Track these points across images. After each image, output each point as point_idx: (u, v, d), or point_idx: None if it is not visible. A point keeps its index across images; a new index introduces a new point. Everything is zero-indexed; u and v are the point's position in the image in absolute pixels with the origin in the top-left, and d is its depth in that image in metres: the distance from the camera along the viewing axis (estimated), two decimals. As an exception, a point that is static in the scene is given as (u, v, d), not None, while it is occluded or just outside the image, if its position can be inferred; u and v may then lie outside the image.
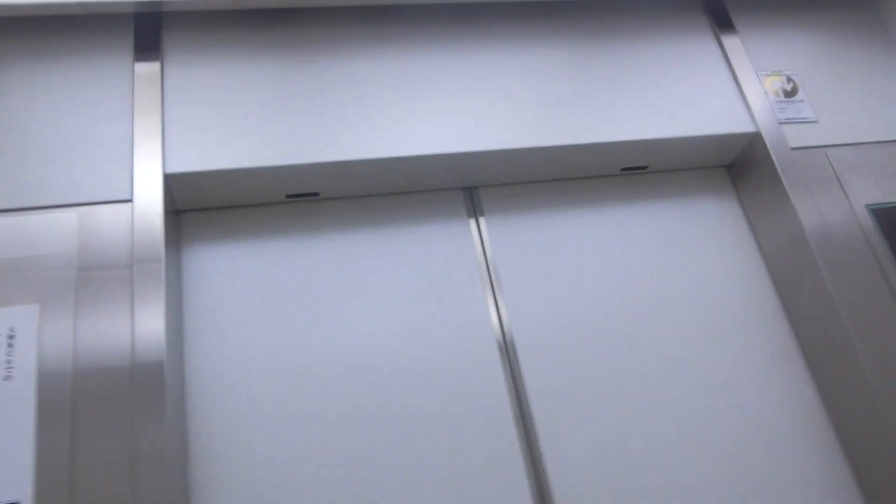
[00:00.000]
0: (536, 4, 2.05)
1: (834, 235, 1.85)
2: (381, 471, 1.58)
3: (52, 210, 1.50)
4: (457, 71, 1.89)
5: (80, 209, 1.51)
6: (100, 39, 1.73)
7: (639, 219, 2.01)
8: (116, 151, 1.59)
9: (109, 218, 1.51)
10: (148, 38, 1.75)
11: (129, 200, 1.54)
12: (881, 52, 2.22)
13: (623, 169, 2.06)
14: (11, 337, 1.34)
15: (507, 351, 1.76)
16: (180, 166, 1.61)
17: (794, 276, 1.90)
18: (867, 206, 1.90)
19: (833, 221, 1.87)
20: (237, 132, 1.68)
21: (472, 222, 1.91)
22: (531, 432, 1.68)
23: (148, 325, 1.41)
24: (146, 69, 1.70)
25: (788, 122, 2.00)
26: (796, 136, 1.98)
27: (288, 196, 1.82)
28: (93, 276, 1.44)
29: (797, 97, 2.05)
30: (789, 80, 2.08)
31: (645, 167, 2.07)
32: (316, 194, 1.84)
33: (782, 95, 2.05)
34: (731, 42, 2.11)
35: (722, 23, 2.14)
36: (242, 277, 1.73)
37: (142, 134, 1.62)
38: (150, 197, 1.54)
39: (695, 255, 1.99)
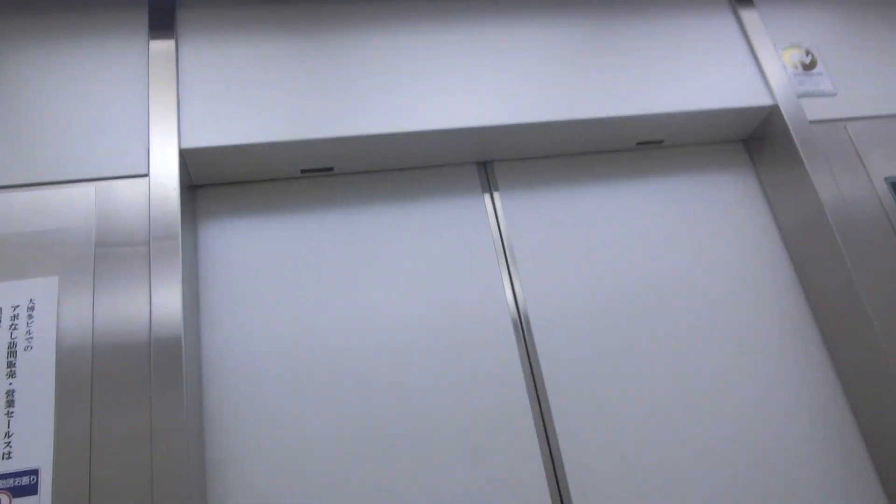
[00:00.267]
0: (551, -22, 2.04)
1: (853, 210, 1.83)
2: (395, 445, 1.59)
3: (70, 185, 1.52)
4: (471, 45, 1.88)
5: (98, 184, 1.53)
6: (115, 17, 1.74)
7: (654, 194, 2.00)
8: (132, 127, 1.60)
9: (126, 192, 1.52)
10: (162, 16, 1.75)
11: (146, 175, 1.55)
12: (902, 23, 2.19)
13: (639, 143, 2.04)
14: (31, 308, 1.36)
15: (522, 326, 1.76)
16: (196, 141, 1.62)
17: (812, 251, 1.88)
18: (887, 179, 1.88)
19: (852, 195, 1.85)
20: (252, 107, 1.69)
21: (487, 197, 1.91)
22: (545, 408, 1.69)
23: (165, 300, 1.42)
24: (161, 46, 1.71)
25: (807, 95, 1.98)
26: (815, 110, 1.96)
27: (303, 171, 1.82)
28: (111, 251, 1.46)
29: (816, 70, 2.03)
30: (808, 52, 2.05)
31: (661, 141, 2.06)
32: (330, 169, 1.84)
33: (801, 68, 2.02)
34: (748, 15, 2.08)
35: (740, -5, 2.12)
36: (257, 252, 1.74)
37: (157, 110, 1.62)
38: (166, 172, 1.55)
39: (711, 230, 1.98)
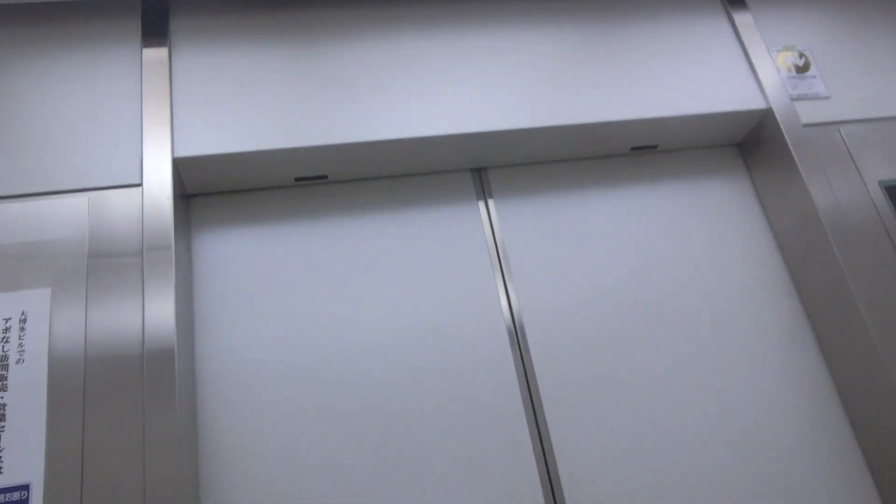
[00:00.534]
0: (544, -17, 2.04)
1: (847, 213, 1.83)
2: (390, 455, 1.59)
3: (62, 195, 1.52)
4: (465, 51, 1.88)
5: (91, 194, 1.52)
6: (108, 25, 1.74)
7: (649, 199, 2.00)
8: (126, 136, 1.60)
9: (119, 202, 1.52)
10: (156, 24, 1.75)
11: (139, 185, 1.55)
12: (894, 26, 2.18)
13: (633, 148, 2.04)
14: (23, 320, 1.35)
15: (517, 333, 1.76)
16: (189, 150, 1.62)
17: (806, 254, 1.88)
18: (881, 182, 1.88)
19: (846, 199, 1.85)
20: (245, 115, 1.68)
21: (482, 204, 1.91)
22: (540, 416, 1.68)
23: (158, 311, 1.42)
24: (154, 54, 1.70)
25: (800, 98, 1.98)
26: (808, 113, 1.96)
27: (297, 179, 1.82)
28: (103, 262, 1.45)
29: (809, 73, 2.03)
30: (801, 55, 2.05)
31: (655, 146, 2.05)
32: (325, 177, 1.84)
33: (794, 71, 2.02)
34: (741, 18, 2.08)
35: (733, -2, 2.12)
36: (251, 261, 1.73)
37: (150, 119, 1.62)
38: (159, 181, 1.55)
39: (706, 234, 1.97)
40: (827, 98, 2.00)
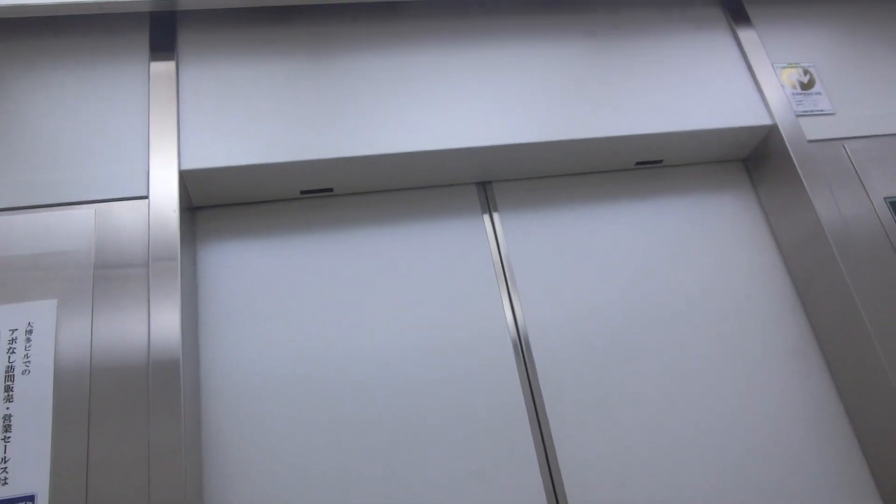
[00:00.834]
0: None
1: (852, 229, 1.83)
2: (394, 467, 1.58)
3: (69, 207, 1.52)
4: (470, 65, 1.89)
5: (98, 206, 1.53)
6: (116, 39, 1.75)
7: (654, 213, 2.00)
8: (133, 149, 1.61)
9: (126, 214, 1.52)
10: (163, 38, 1.76)
11: (146, 197, 1.55)
12: (900, 43, 2.20)
13: (638, 163, 2.05)
14: (29, 331, 1.36)
15: (522, 347, 1.76)
16: (195, 163, 1.62)
17: (812, 270, 1.88)
18: (886, 198, 1.88)
19: (851, 215, 1.85)
20: (252, 129, 1.69)
21: (487, 217, 1.91)
22: (545, 429, 1.68)
23: (164, 322, 1.42)
24: (162, 68, 1.71)
25: (805, 114, 1.98)
26: (813, 129, 1.96)
27: (302, 192, 1.82)
28: (110, 273, 1.45)
29: (814, 89, 2.03)
30: (806, 72, 2.06)
31: (660, 161, 2.06)
32: (330, 190, 1.84)
33: (799, 88, 2.03)
34: (746, 35, 2.09)
35: (737, 15, 2.12)
36: (257, 273, 1.74)
37: (157, 131, 1.63)
38: (165, 193, 1.55)
39: (711, 250, 1.97)
40: (832, 114, 2.00)
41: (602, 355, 1.79)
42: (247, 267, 1.74)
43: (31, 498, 1.23)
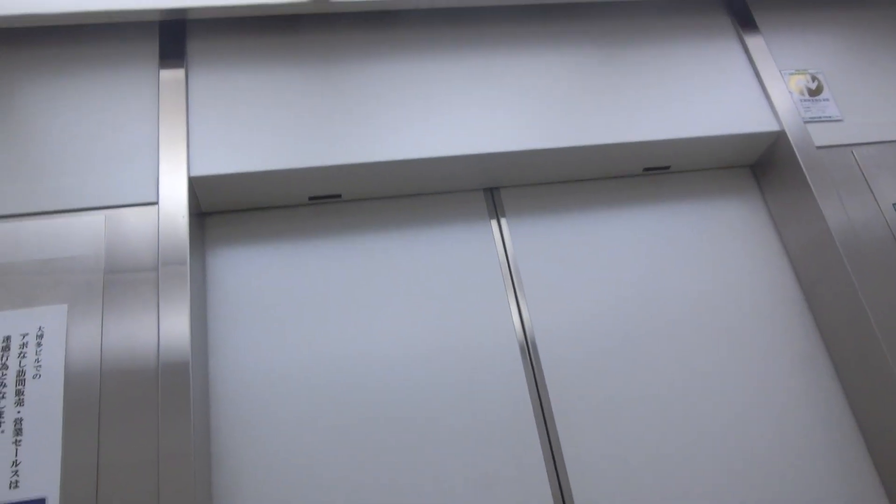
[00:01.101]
0: (557, 6, 2.05)
1: (861, 235, 1.82)
2: (403, 470, 1.59)
3: (79, 213, 1.53)
4: (478, 73, 1.89)
5: (108, 212, 1.54)
6: (126, 47, 1.76)
7: (661, 219, 2.00)
8: (142, 155, 1.62)
9: (136, 220, 1.54)
10: (173, 46, 1.77)
11: (155, 203, 1.56)
12: (908, 49, 2.20)
13: (645, 169, 2.05)
14: (40, 336, 1.36)
15: (529, 351, 1.76)
16: (205, 169, 1.63)
17: (821, 277, 1.88)
18: (895, 205, 1.88)
19: (860, 221, 1.85)
20: (260, 135, 1.70)
21: (494, 223, 1.92)
22: (552, 432, 1.68)
23: (173, 327, 1.43)
24: (171, 75, 1.73)
25: (813, 120, 1.98)
26: (821, 135, 1.96)
27: (311, 198, 1.83)
28: (119, 278, 1.46)
29: (822, 95, 2.03)
30: (814, 78, 2.06)
31: (667, 167, 2.06)
32: (338, 196, 1.85)
33: (807, 94, 2.03)
34: (754, 41, 2.09)
35: (745, 22, 2.13)
36: (265, 278, 1.74)
37: (167, 138, 1.64)
38: (175, 199, 1.56)
39: (718, 256, 1.97)
40: (840, 121, 2.00)
41: (609, 360, 1.78)
42: (255, 272, 1.75)
43: (42, 501, 1.24)
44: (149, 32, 1.78)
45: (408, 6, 1.88)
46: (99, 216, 1.53)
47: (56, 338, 1.37)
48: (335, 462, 1.57)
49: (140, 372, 1.38)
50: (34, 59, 1.71)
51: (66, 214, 1.52)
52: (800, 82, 2.05)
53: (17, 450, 1.27)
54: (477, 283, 1.82)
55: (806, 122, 1.97)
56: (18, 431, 1.28)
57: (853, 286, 1.75)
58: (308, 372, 1.66)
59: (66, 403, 1.32)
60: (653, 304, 1.87)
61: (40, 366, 1.34)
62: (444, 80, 1.86)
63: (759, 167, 2.11)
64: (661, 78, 1.98)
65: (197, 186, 1.66)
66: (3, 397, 1.31)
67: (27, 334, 1.37)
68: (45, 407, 1.31)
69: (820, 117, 1.99)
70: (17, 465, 1.26)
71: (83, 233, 1.50)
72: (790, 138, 1.93)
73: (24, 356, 1.34)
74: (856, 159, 1.94)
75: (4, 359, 1.34)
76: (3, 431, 1.28)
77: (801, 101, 2.01)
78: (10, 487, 1.24)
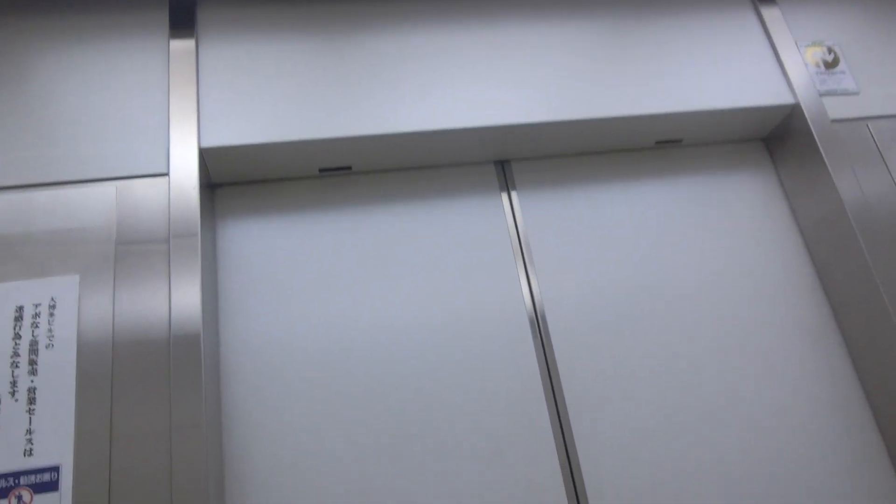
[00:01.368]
0: (570, -24, 2.03)
1: (875, 210, 1.81)
2: (411, 441, 1.60)
3: (90, 184, 1.53)
4: (490, 44, 1.87)
5: (118, 183, 1.54)
6: (136, 17, 1.75)
7: (673, 193, 1.99)
8: (153, 126, 1.62)
9: (146, 191, 1.54)
10: (183, 16, 1.76)
11: (166, 174, 1.56)
12: (927, 21, 2.16)
13: (657, 142, 2.03)
14: (52, 307, 1.37)
15: (539, 324, 1.76)
16: (215, 140, 1.63)
17: (834, 251, 1.87)
18: (909, 179, 1.86)
19: (874, 196, 1.83)
20: (271, 106, 1.69)
21: (505, 196, 1.91)
22: (561, 404, 1.68)
23: (184, 298, 1.44)
24: (181, 46, 1.72)
25: (829, 93, 1.95)
26: (837, 108, 1.93)
27: (321, 170, 1.83)
28: (131, 249, 1.47)
29: (838, 68, 2.00)
30: (830, 50, 2.03)
31: (680, 140, 2.04)
32: (349, 168, 1.85)
33: (823, 67, 2.00)
34: (770, 13, 2.06)
35: (761, -8, 2.10)
36: (275, 250, 1.75)
37: (177, 109, 1.64)
38: (185, 170, 1.56)
39: (730, 230, 1.96)
40: (856, 94, 1.97)
41: (619, 333, 1.79)
42: (265, 244, 1.75)
43: (56, 468, 1.26)
44: (159, 2, 1.77)
45: (419, -24, 1.87)
46: (110, 187, 1.53)
47: (68, 308, 1.38)
48: (344, 430, 1.58)
49: (151, 342, 1.39)
50: (43, 28, 1.70)
51: (78, 185, 1.53)
52: (816, 54, 2.02)
53: (30, 418, 1.29)
54: (487, 255, 1.82)
55: (821, 95, 1.95)
56: (32, 400, 1.30)
57: (866, 262, 1.74)
58: (318, 343, 1.66)
59: (79, 373, 1.34)
60: (662, 279, 1.87)
61: (53, 336, 1.35)
62: (456, 52, 1.85)
63: (773, 141, 2.09)
64: (674, 49, 1.96)
65: (207, 158, 1.66)
66: (16, 367, 1.32)
67: (40, 304, 1.38)
68: (58, 376, 1.32)
69: (836, 90, 1.97)
70: (31, 434, 1.27)
71: (95, 204, 1.50)
72: (805, 111, 1.91)
73: (36, 326, 1.36)
74: (871, 133, 1.92)
75: (17, 329, 1.35)
76: (17, 400, 1.30)
77: (816, 73, 1.99)
78: (24, 455, 1.26)
